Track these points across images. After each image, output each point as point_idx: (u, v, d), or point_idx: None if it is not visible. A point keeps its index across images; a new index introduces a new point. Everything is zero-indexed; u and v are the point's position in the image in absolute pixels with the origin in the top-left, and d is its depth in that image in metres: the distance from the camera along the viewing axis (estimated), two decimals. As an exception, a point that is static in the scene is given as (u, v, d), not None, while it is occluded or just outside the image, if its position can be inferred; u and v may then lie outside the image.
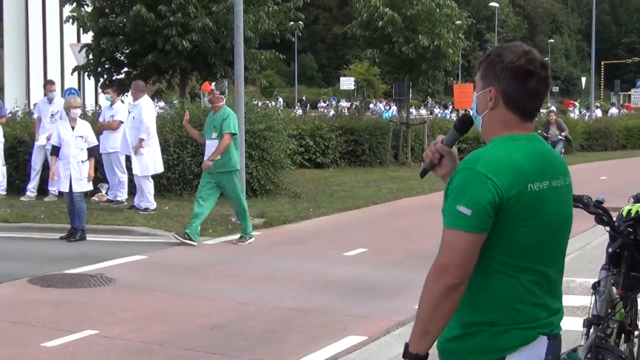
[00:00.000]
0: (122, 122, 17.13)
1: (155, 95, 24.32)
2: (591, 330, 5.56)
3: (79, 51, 23.48)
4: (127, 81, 22.35)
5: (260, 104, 22.21)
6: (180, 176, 18.32)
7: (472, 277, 3.22)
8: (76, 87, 28.69)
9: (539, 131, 23.00)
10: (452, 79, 31.49)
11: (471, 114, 3.55)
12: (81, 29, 24.07)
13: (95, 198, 17.54)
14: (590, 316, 5.57)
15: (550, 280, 3.33)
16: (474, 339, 3.27)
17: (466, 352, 3.30)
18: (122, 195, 17.50)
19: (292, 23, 24.87)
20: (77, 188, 13.97)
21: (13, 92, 48.89)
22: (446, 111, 53.10)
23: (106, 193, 17.75)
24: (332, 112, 38.03)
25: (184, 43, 21.19)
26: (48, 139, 17.00)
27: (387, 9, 27.23)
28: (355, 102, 65.82)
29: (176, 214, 16.03)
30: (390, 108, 50.29)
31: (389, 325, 9.17)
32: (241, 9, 16.10)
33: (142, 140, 16.34)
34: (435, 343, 3.31)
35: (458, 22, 29.35)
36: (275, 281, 11.40)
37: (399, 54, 27.53)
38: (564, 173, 3.42)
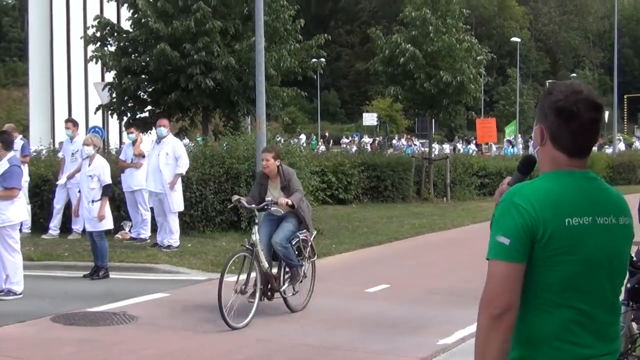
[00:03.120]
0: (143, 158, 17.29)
1: (179, 133, 24.46)
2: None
3: (102, 90, 23.73)
4: (150, 119, 22.53)
5: (283, 140, 22.28)
6: (203, 213, 18.38)
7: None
8: (100, 126, 28.94)
9: (236, 197, 11.88)
10: (473, 113, 31.46)
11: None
12: (104, 68, 24.32)
13: (118, 236, 17.65)
14: None
15: (594, 319, 3.26)
16: None
17: None
18: (145, 232, 17.59)
19: (314, 60, 25.01)
20: (89, 227, 14.10)
21: (38, 131, 49.30)
22: (469, 146, 53.09)
23: (129, 231, 17.84)
24: (354, 149, 38.12)
25: (207, 81, 21.36)
26: (69, 177, 17.19)
27: (409, 45, 27.38)
28: (377, 138, 65.99)
29: (199, 251, 16.07)
30: (412, 143, 50.38)
31: (411, 362, 9.13)
32: (262, 47, 16.24)
33: (179, 175, 16.50)
34: None
35: (479, 57, 29.43)
36: (297, 318, 11.40)
37: (420, 90, 27.61)
38: (620, 212, 3.36)
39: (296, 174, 11.74)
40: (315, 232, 12.45)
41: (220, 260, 15.28)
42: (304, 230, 11.72)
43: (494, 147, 57.82)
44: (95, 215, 13.92)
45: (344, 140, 70.50)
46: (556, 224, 3.17)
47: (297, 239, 11.59)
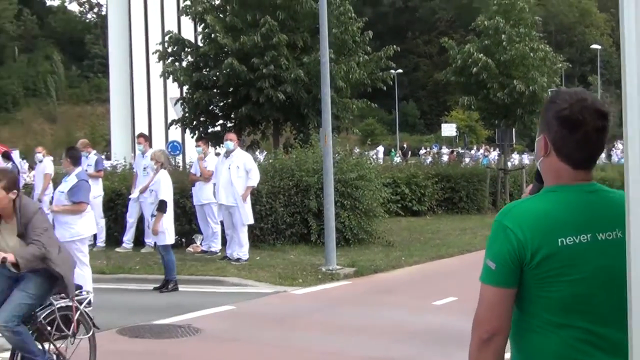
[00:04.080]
0: (212, 172, 17.41)
1: (252, 147, 24.70)
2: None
3: (174, 104, 24.07)
4: (222, 133, 22.78)
5: (358, 151, 22.29)
6: (273, 226, 18.48)
7: (518, 333, 3.19)
8: (179, 140, 29.33)
9: None
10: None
11: None
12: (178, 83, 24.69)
13: (190, 249, 17.84)
14: None
15: (604, 338, 3.14)
16: None
17: None
18: (216, 245, 17.73)
19: (391, 71, 25.02)
20: (152, 241, 14.41)
21: (119, 146, 50.40)
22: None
23: (200, 244, 18.01)
24: (429, 159, 37.96)
25: (277, 95, 21.53)
26: (141, 191, 17.44)
27: (481, 54, 27.19)
28: (456, 149, 65.59)
29: (267, 264, 16.15)
30: (489, 154, 49.91)
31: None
32: (327, 60, 16.27)
33: (251, 188, 16.68)
34: None
35: (559, 65, 29.12)
36: (361, 331, 11.37)
37: (494, 99, 27.39)
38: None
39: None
40: (90, 295, 8.65)
41: (288, 273, 15.39)
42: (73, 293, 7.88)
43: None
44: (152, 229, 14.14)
45: (422, 151, 70.17)
46: (548, 245, 3.06)
47: (51, 309, 7.82)
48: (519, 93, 26.82)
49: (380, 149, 69.44)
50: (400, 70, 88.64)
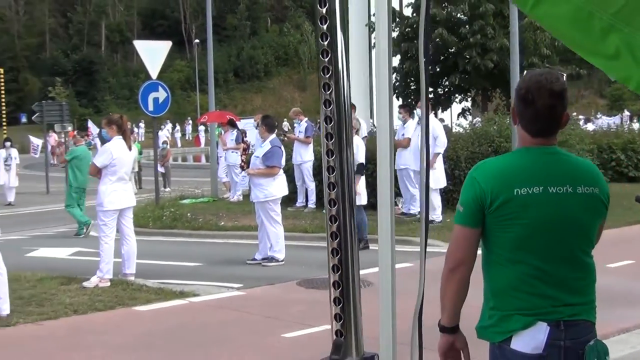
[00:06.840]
0: (410, 139, 18.17)
1: (462, 114, 25.28)
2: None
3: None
4: (432, 101, 23.49)
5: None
6: (485, 190, 18.96)
7: (485, 266, 4.01)
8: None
9: None
10: None
11: None
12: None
13: (392, 211, 18.76)
14: None
15: (551, 274, 3.84)
16: (491, 320, 4.00)
17: (489, 331, 4.03)
18: (415, 208, 18.48)
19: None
20: None
21: (358, 114, 51.82)
22: None
23: (401, 206, 18.90)
24: (656, 126, 36.84)
25: (484, 63, 21.99)
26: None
27: None
28: None
29: (458, 226, 16.74)
30: None
31: (610, 330, 9.37)
32: (516, 30, 16.68)
33: (437, 154, 17.40)
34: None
35: None
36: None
37: None
38: (579, 182, 3.85)
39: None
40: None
41: (475, 235, 15.93)
42: None
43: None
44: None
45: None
46: (505, 194, 3.79)
47: None
48: None
49: (627, 114, 67.49)
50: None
